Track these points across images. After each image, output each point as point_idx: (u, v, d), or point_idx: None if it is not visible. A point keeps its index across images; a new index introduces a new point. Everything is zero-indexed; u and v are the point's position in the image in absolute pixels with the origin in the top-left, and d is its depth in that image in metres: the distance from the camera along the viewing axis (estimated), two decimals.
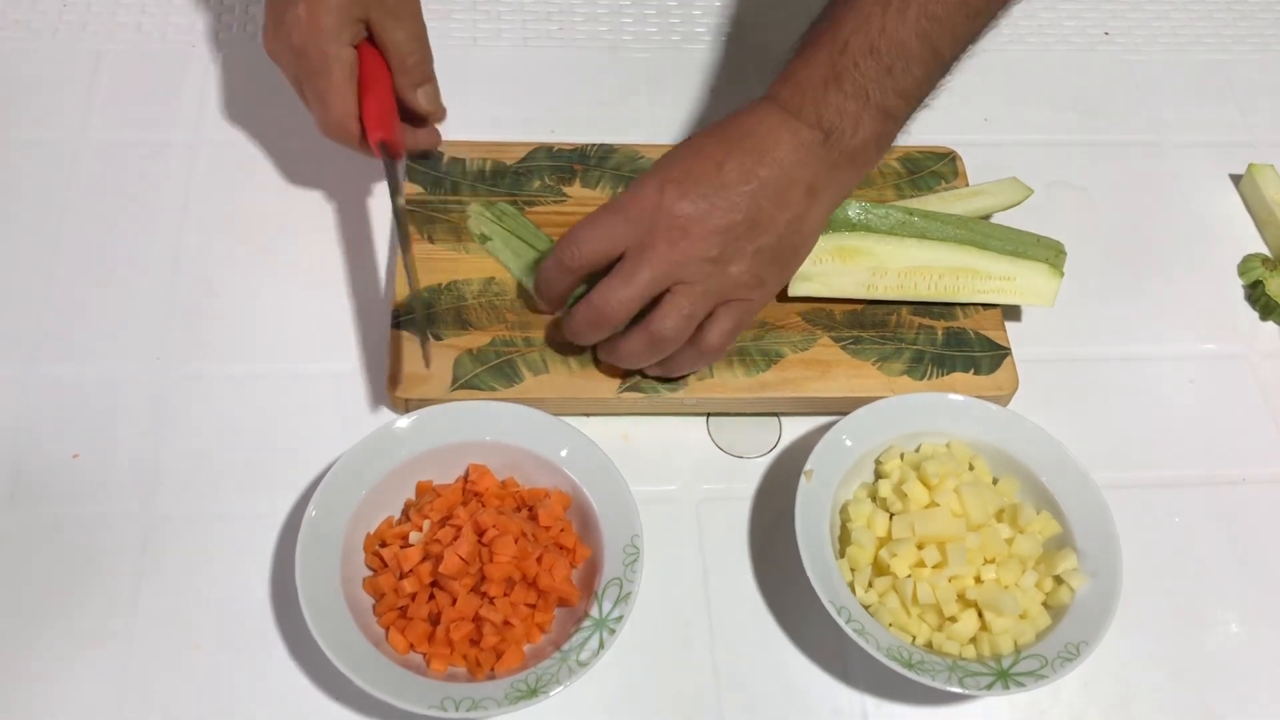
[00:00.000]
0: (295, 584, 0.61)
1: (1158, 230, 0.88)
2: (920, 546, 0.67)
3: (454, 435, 0.68)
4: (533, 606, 0.64)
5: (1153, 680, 0.68)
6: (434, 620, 0.63)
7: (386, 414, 0.74)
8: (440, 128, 0.81)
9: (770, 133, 0.67)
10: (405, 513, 0.68)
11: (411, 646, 0.63)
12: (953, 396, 0.72)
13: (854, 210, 0.77)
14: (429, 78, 0.74)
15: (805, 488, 0.67)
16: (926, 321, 0.78)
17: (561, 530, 0.66)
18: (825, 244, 0.76)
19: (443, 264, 0.78)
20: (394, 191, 0.70)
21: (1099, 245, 0.86)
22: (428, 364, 0.72)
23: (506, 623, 0.63)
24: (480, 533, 0.64)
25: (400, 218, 0.70)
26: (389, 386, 0.72)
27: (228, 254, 0.79)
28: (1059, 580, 0.66)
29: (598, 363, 0.74)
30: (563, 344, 0.74)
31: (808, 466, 0.68)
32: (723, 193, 0.66)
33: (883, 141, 0.69)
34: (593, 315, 0.67)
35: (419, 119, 0.77)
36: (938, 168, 0.85)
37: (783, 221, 0.68)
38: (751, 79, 0.93)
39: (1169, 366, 0.81)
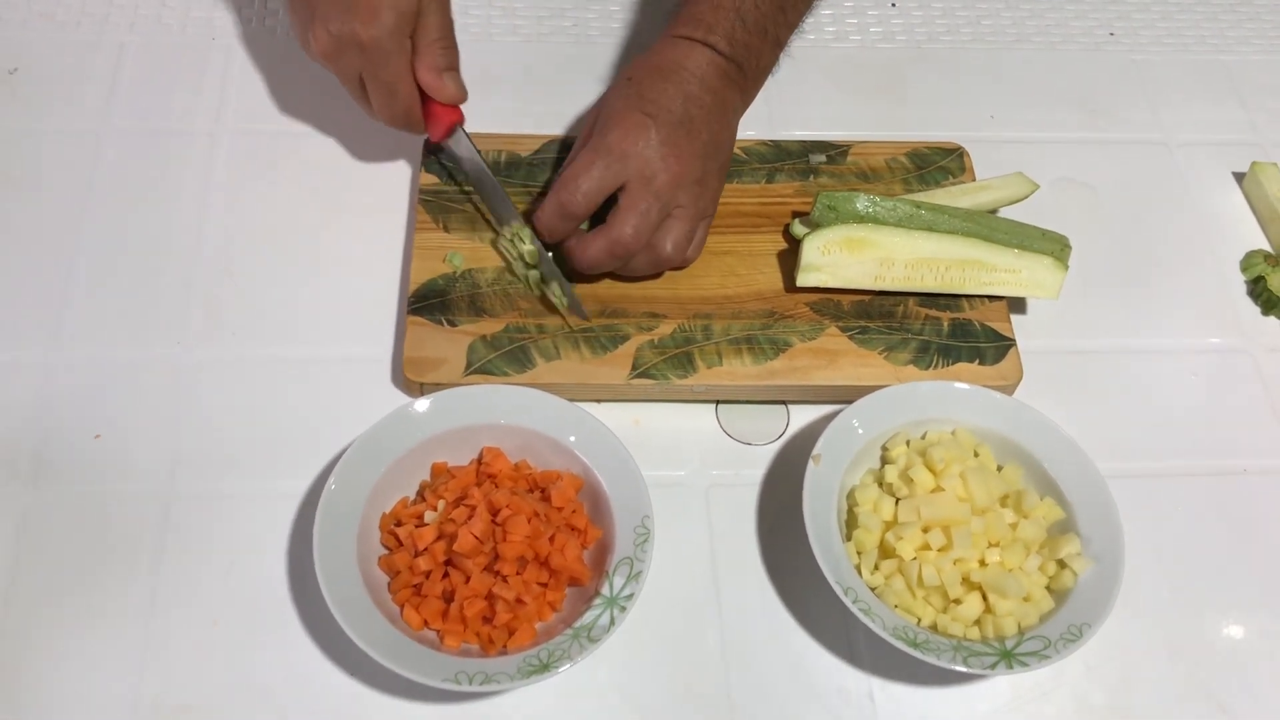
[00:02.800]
0: (313, 560, 0.63)
1: (1162, 227, 0.89)
2: (926, 530, 0.68)
3: (469, 418, 0.70)
4: (545, 585, 0.65)
5: (1154, 664, 0.69)
6: (448, 598, 0.65)
7: (402, 398, 0.75)
8: None
9: (699, 65, 0.75)
10: (420, 493, 0.70)
11: (426, 623, 0.64)
12: (959, 385, 0.73)
13: (862, 202, 0.78)
14: (453, 65, 0.77)
15: (813, 472, 0.69)
16: (933, 312, 0.79)
17: (573, 511, 0.68)
18: (834, 235, 0.77)
19: (458, 252, 0.79)
20: (477, 162, 0.79)
21: (1104, 241, 0.87)
22: (583, 315, 0.76)
23: (519, 600, 0.64)
24: (494, 512, 0.65)
25: (489, 181, 0.79)
26: (405, 371, 0.73)
27: (247, 240, 0.81)
28: (1062, 564, 0.68)
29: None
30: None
31: (816, 451, 0.69)
32: (689, 121, 0.74)
33: (772, 67, 0.81)
34: (616, 250, 0.73)
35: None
36: (945, 163, 0.87)
37: (726, 140, 0.78)
38: None
39: (1172, 360, 0.82)
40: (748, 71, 0.78)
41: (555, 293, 0.76)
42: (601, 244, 0.73)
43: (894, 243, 0.77)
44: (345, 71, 0.76)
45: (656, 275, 0.78)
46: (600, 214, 0.75)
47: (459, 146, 0.80)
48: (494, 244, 0.79)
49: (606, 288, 0.78)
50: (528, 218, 0.78)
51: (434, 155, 0.83)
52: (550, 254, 0.77)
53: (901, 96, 0.95)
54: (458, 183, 0.82)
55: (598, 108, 0.77)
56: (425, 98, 0.77)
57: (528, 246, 0.77)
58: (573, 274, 0.77)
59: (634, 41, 0.96)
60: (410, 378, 0.73)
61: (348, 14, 0.72)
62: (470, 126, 0.84)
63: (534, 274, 0.77)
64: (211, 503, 0.70)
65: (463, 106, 0.78)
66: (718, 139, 0.76)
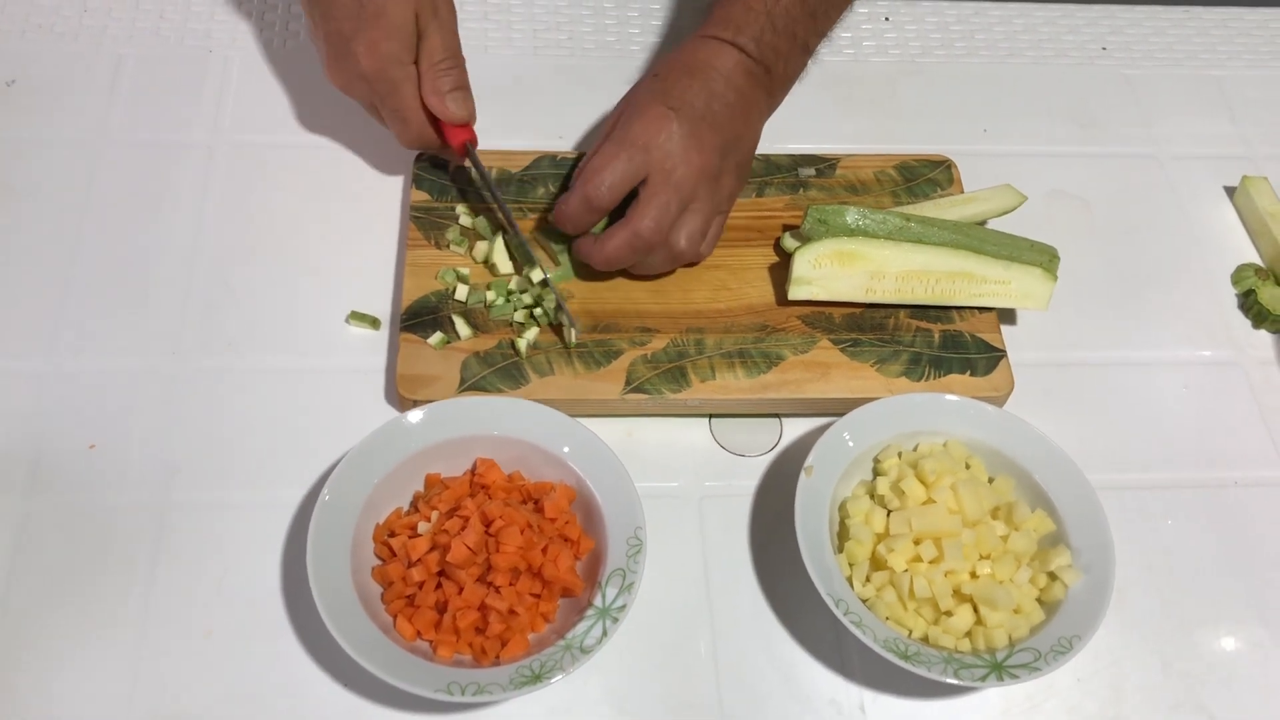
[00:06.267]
0: (306, 571, 0.63)
1: (1153, 239, 0.90)
2: (917, 542, 0.68)
3: (462, 429, 0.70)
4: (537, 596, 0.66)
5: (1145, 675, 0.69)
6: (441, 608, 0.65)
7: (394, 413, 0.75)
8: None
9: (726, 65, 0.77)
10: (414, 504, 0.70)
11: (419, 634, 0.65)
12: (950, 397, 0.74)
13: (852, 216, 0.79)
14: (459, 84, 0.78)
15: (805, 484, 0.69)
16: (924, 324, 0.79)
17: (566, 522, 0.68)
18: (824, 248, 0.78)
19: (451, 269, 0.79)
20: (486, 181, 0.81)
21: (1096, 254, 0.88)
22: (576, 334, 0.76)
23: (511, 611, 0.64)
24: (487, 523, 0.66)
25: (499, 202, 0.80)
26: (398, 388, 0.73)
27: (243, 252, 0.81)
28: (1053, 576, 0.68)
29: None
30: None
31: (808, 462, 0.69)
32: (711, 116, 0.75)
33: (800, 72, 0.82)
34: (636, 243, 0.74)
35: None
36: (933, 175, 0.87)
37: (748, 138, 0.79)
38: None
39: (1164, 372, 0.83)
40: (775, 74, 0.79)
41: (560, 318, 0.76)
42: (622, 237, 0.74)
43: (884, 255, 0.78)
44: (360, 100, 0.78)
45: (669, 272, 0.80)
46: (617, 210, 0.76)
47: (473, 165, 0.81)
48: (506, 243, 0.81)
49: (599, 303, 0.79)
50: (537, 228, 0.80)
51: (424, 172, 0.84)
52: (564, 261, 0.79)
53: (895, 110, 0.95)
54: (448, 199, 0.83)
55: (623, 102, 0.78)
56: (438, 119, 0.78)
57: (537, 276, 0.77)
58: (589, 271, 0.78)
59: (629, 54, 0.97)
60: (404, 394, 0.73)
61: (350, 48, 0.74)
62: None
63: (549, 300, 0.77)
64: (206, 513, 0.70)
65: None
66: (740, 135, 0.77)
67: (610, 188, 0.74)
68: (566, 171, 0.85)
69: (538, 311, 0.77)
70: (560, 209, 0.77)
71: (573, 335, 0.75)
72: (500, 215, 0.81)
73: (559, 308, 0.76)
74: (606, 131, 0.77)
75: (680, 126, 0.74)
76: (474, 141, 0.80)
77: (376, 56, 0.74)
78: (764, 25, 0.77)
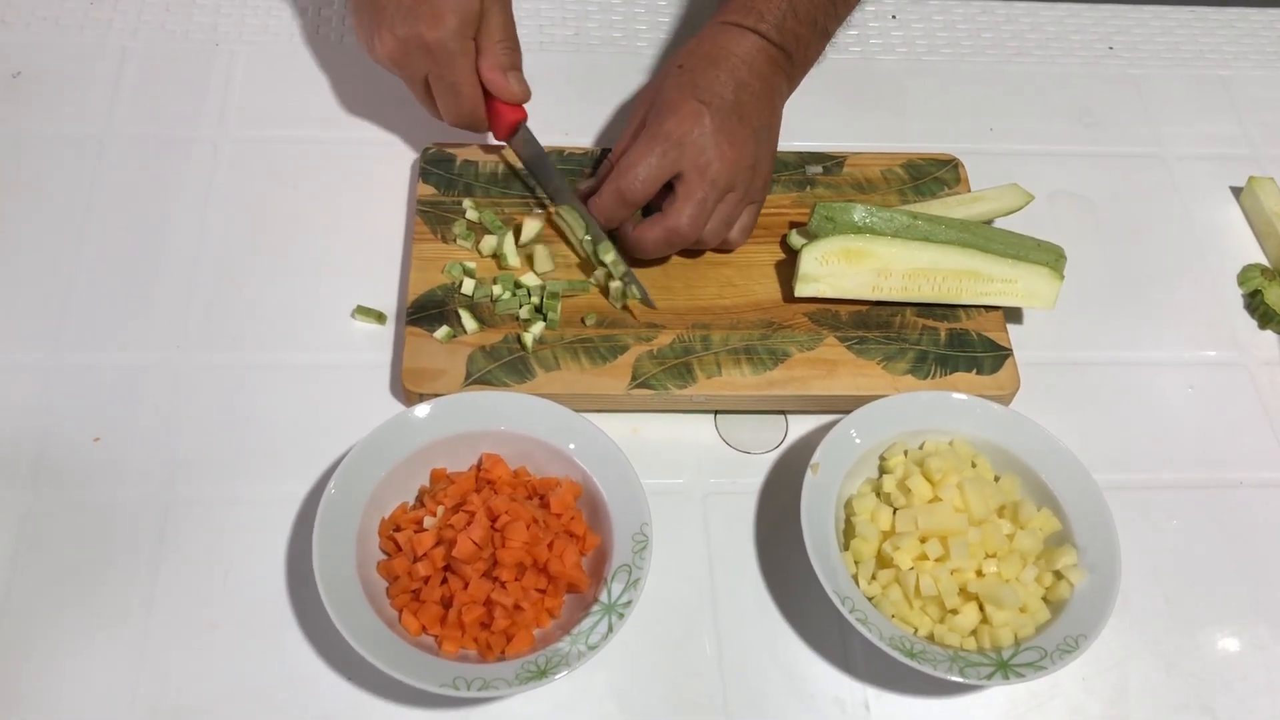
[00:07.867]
0: (311, 564, 0.63)
1: (1159, 240, 0.90)
2: (923, 540, 0.68)
3: (468, 424, 0.70)
4: (543, 592, 0.66)
5: (1149, 675, 0.69)
6: (446, 603, 0.65)
7: (400, 407, 0.75)
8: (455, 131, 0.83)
9: (748, 52, 0.77)
10: (419, 499, 0.70)
11: (424, 628, 0.65)
12: (956, 395, 0.74)
13: (860, 214, 0.79)
14: (516, 65, 0.79)
15: (811, 481, 0.69)
16: (930, 322, 0.79)
17: (572, 518, 0.68)
18: (832, 246, 0.78)
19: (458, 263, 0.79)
20: (541, 156, 0.82)
21: (1102, 254, 0.88)
22: (652, 304, 0.78)
23: (517, 606, 0.64)
24: (493, 519, 0.66)
25: (555, 178, 0.81)
26: (404, 381, 0.73)
27: (248, 246, 0.81)
28: (1059, 575, 0.68)
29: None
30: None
31: (814, 460, 0.69)
32: (740, 107, 0.76)
33: (818, 57, 0.83)
34: (673, 238, 0.76)
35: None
36: (940, 174, 0.87)
37: (774, 124, 0.80)
38: None
39: (1169, 372, 0.83)
40: (796, 60, 0.80)
41: (632, 292, 0.77)
42: (658, 233, 0.75)
43: (891, 253, 0.78)
44: (411, 74, 0.77)
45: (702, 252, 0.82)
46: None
47: (523, 145, 0.82)
48: (553, 219, 0.82)
49: (605, 300, 0.79)
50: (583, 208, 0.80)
51: (431, 167, 0.84)
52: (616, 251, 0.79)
53: (901, 108, 0.95)
54: (454, 193, 0.83)
55: (651, 94, 0.79)
56: (488, 97, 0.79)
57: (611, 257, 0.77)
58: (628, 259, 0.79)
59: (635, 50, 0.96)
60: (409, 388, 0.73)
61: (413, 17, 0.74)
62: (470, 135, 0.84)
63: (616, 285, 0.77)
64: (210, 507, 0.70)
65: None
66: (768, 124, 0.78)
67: (644, 182, 0.75)
68: (591, 167, 0.85)
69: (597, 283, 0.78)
70: (594, 202, 0.77)
71: (637, 298, 0.77)
72: (558, 198, 0.82)
73: (629, 280, 0.77)
74: (635, 124, 0.78)
75: (713, 120, 0.74)
76: (526, 120, 0.81)
77: (441, 28, 0.74)
78: (785, 11, 0.78)
